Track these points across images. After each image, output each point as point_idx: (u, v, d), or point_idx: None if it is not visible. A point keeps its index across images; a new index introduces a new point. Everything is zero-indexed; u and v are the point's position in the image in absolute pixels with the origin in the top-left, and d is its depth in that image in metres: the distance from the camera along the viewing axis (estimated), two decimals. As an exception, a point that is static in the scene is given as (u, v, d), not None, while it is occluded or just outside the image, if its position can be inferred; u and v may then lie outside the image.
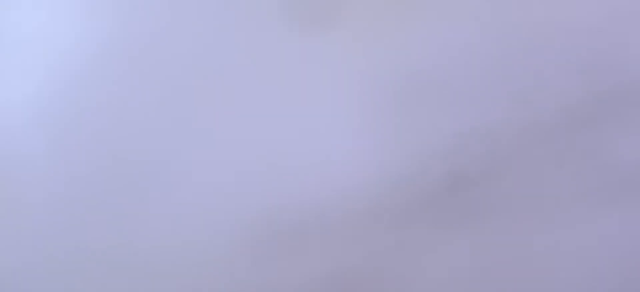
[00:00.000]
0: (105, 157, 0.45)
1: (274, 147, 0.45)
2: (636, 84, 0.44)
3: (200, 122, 0.45)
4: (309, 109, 0.45)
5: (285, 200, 0.45)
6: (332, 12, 0.44)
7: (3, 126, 0.46)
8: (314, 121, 0.45)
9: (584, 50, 0.45)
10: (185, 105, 0.45)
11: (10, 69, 0.45)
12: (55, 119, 0.45)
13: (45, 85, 0.45)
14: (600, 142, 0.45)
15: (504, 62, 0.44)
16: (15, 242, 0.45)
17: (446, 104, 0.44)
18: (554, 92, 0.45)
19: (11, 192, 0.45)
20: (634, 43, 0.45)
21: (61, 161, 0.45)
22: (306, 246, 0.44)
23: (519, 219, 0.45)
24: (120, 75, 0.46)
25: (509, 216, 0.45)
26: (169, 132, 0.45)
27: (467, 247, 0.44)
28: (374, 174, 0.45)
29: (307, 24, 0.44)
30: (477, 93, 0.44)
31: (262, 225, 0.45)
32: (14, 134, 0.45)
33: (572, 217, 0.45)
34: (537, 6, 0.45)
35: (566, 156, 0.45)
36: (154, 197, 0.45)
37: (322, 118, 0.45)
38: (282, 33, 0.44)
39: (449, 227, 0.45)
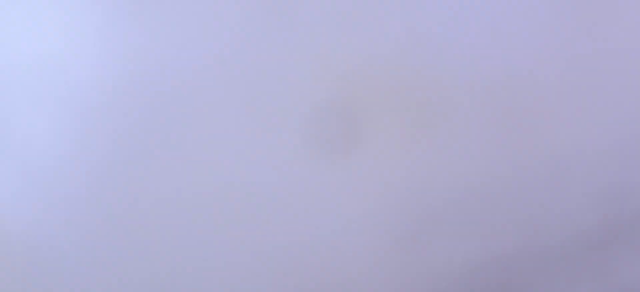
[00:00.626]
0: (110, 203, 0.46)
1: (290, 268, 0.45)
2: (646, 210, 0.45)
3: (218, 236, 0.46)
4: (327, 233, 0.45)
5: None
6: (351, 139, 0.45)
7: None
8: (331, 244, 0.45)
9: (595, 177, 0.45)
10: (201, 222, 0.46)
11: (23, 102, 0.45)
12: (68, 153, 0.45)
13: (57, 118, 0.45)
14: (612, 266, 0.45)
15: (517, 189, 0.45)
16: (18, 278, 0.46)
17: (462, 229, 0.45)
18: (566, 218, 0.45)
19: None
20: (644, 169, 0.46)
21: (74, 192, 0.45)
22: None
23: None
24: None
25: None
26: (181, 228, 0.46)
27: None
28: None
29: (326, 148, 0.45)
30: (492, 219, 0.45)
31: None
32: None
33: (585, 339, 0.45)
34: (547, 133, 0.46)
35: (579, 278, 0.45)
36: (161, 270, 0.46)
37: (340, 242, 0.45)
38: (303, 156, 0.45)
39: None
